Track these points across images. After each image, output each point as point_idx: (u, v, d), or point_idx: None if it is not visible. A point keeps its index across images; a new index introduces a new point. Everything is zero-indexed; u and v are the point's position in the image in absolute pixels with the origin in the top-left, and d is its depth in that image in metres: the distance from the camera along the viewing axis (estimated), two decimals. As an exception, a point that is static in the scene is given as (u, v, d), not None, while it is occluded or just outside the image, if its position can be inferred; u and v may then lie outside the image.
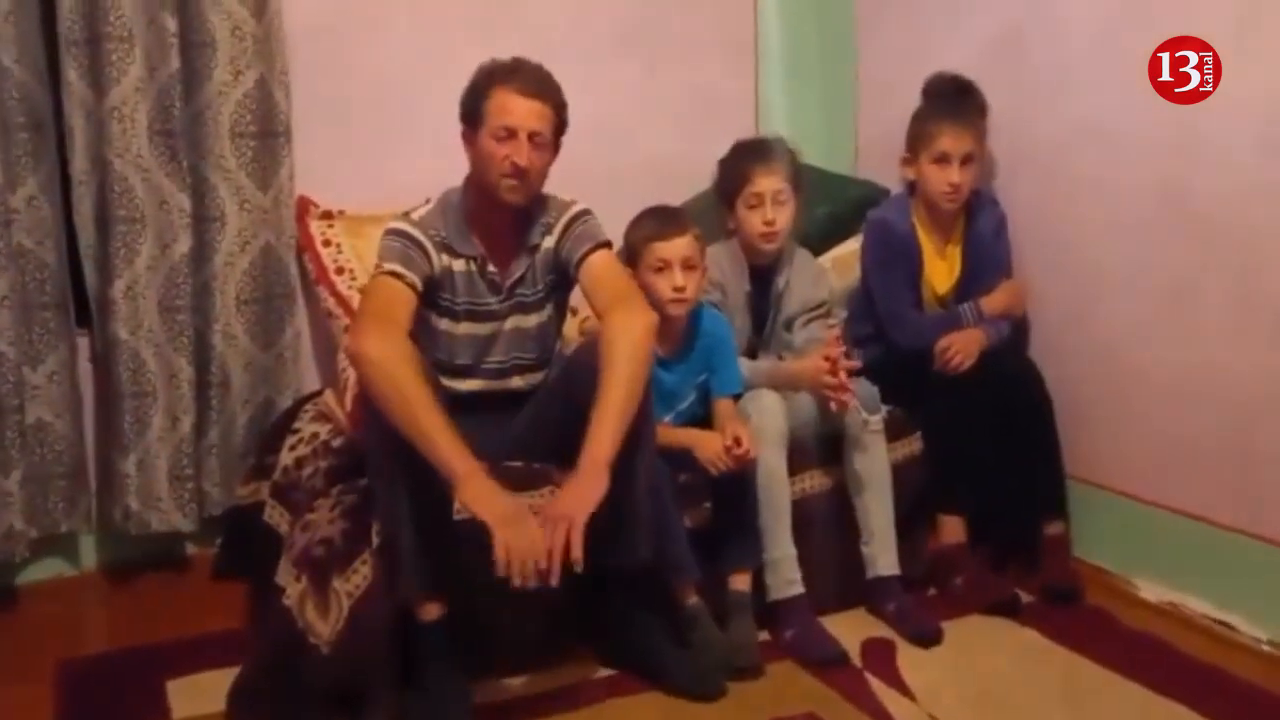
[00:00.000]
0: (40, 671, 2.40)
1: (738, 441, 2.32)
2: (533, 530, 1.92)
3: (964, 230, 2.86)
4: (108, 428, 2.79)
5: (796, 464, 2.54)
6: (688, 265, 2.42)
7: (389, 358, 2.03)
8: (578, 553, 1.91)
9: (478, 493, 1.95)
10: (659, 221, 2.45)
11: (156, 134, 2.72)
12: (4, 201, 2.61)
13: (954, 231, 2.86)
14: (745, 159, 2.68)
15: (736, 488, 2.40)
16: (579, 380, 2.15)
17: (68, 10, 2.64)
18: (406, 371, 2.02)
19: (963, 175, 2.74)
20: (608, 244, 2.32)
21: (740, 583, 2.42)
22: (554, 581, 1.91)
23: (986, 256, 2.85)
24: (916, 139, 2.80)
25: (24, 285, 2.70)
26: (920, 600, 2.60)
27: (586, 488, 1.98)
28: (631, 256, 2.46)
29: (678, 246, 2.41)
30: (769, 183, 2.62)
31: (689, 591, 2.36)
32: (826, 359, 2.48)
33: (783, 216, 2.63)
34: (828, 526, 2.58)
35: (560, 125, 2.27)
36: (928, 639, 2.44)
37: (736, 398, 2.52)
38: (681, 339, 2.52)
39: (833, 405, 2.50)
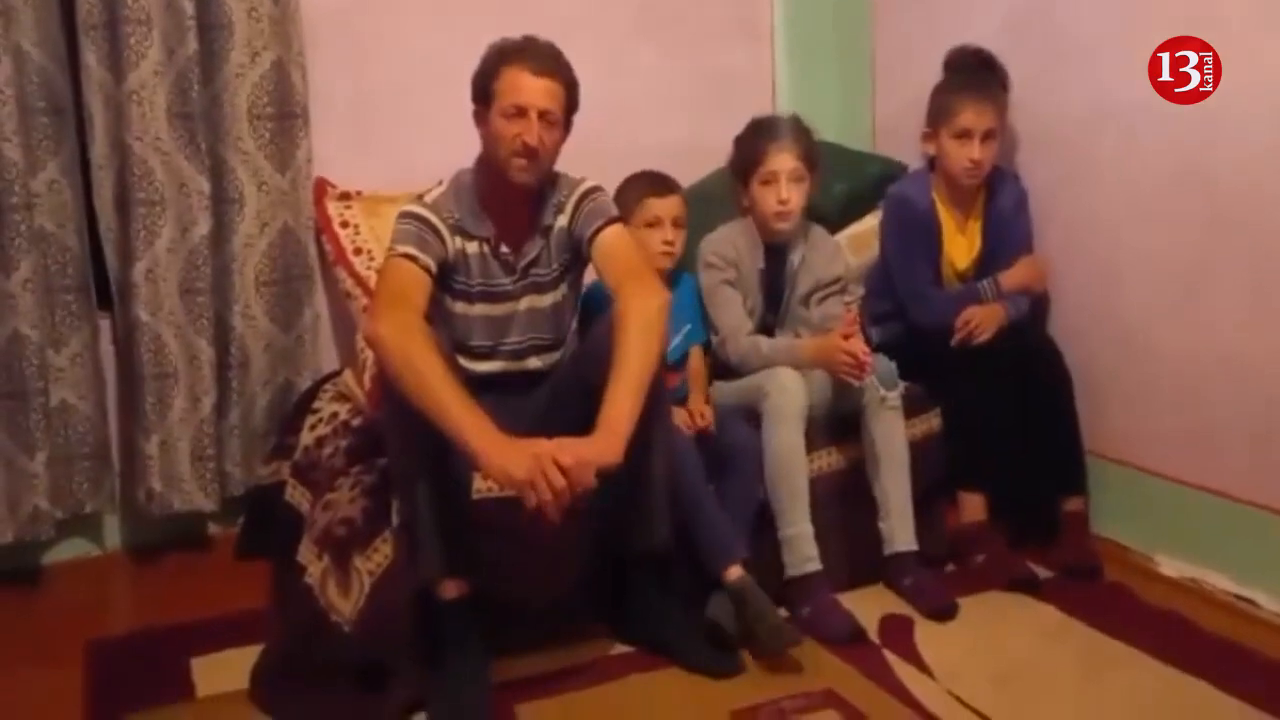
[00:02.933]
0: (68, 651, 2.42)
1: (700, 415, 2.51)
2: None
3: (984, 206, 2.84)
4: (130, 409, 2.82)
5: (813, 441, 2.54)
6: (676, 224, 2.61)
7: (404, 338, 2.03)
8: (560, 482, 1.89)
9: (493, 463, 1.93)
10: (651, 182, 2.58)
11: (175, 117, 2.73)
12: (25, 186, 2.62)
13: (974, 207, 2.85)
14: (760, 137, 2.67)
15: (705, 488, 2.37)
16: (594, 359, 2.15)
17: (85, -6, 2.65)
18: (421, 350, 2.01)
19: (984, 151, 2.72)
20: (619, 219, 2.32)
21: (733, 575, 2.32)
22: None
23: (1007, 233, 2.83)
24: (937, 114, 2.78)
25: (46, 269, 2.72)
26: (936, 575, 2.60)
27: (597, 446, 1.96)
28: (623, 214, 2.43)
29: (670, 204, 2.60)
30: (783, 161, 2.62)
31: (732, 570, 2.31)
32: (844, 336, 2.47)
33: (797, 195, 2.63)
34: (845, 503, 2.58)
35: (571, 103, 2.26)
36: (943, 613, 2.44)
37: (705, 345, 2.70)
38: None
39: (850, 379, 2.49)
